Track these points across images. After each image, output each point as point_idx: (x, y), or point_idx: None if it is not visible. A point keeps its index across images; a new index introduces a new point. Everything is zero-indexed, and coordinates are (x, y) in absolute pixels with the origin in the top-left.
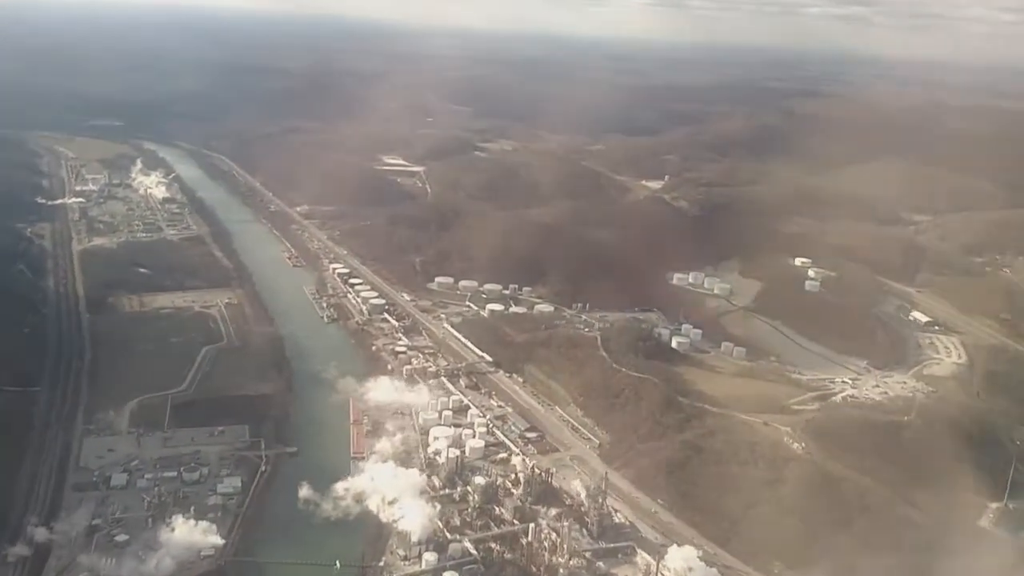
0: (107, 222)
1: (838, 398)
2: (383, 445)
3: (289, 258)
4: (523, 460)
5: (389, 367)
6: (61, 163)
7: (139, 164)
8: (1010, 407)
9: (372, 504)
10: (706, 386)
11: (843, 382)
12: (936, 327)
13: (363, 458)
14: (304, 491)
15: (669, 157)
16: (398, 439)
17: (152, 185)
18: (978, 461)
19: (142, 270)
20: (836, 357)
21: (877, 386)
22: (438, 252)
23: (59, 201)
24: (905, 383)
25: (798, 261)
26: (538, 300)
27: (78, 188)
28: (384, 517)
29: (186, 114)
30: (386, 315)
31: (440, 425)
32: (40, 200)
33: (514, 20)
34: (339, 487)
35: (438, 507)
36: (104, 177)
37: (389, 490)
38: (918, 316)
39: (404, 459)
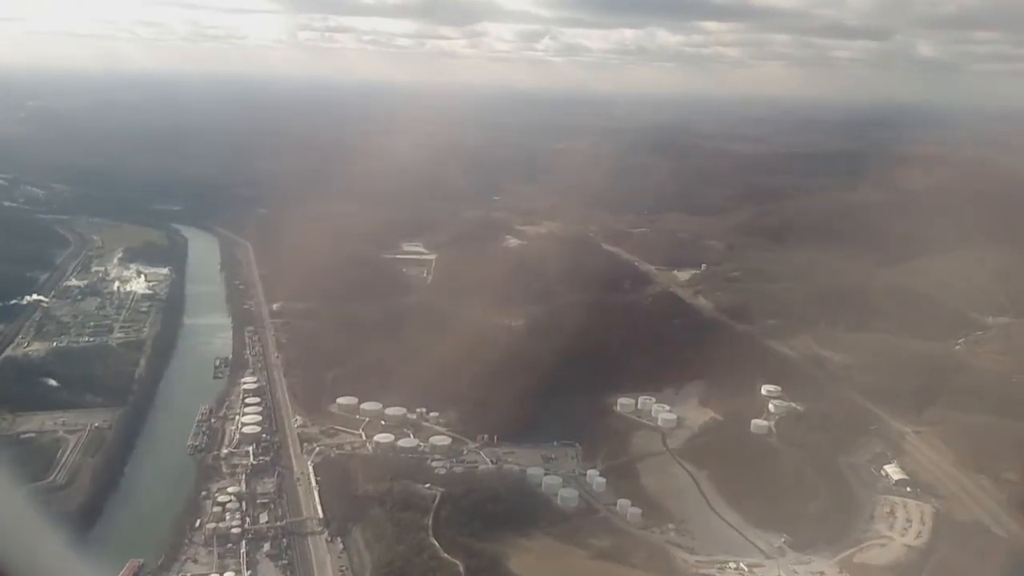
0: (63, 323)
1: None
2: None
3: (217, 367)
4: None
5: (197, 522)
6: (80, 253)
7: (120, 255)
8: None
9: None
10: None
11: (738, 569)
12: (908, 488)
13: None
14: None
15: (712, 243)
16: None
17: (132, 280)
18: None
19: (51, 382)
20: (750, 529)
21: None
22: (358, 366)
23: (13, 301)
24: (822, 574)
25: (764, 389)
26: (440, 429)
27: (64, 284)
28: None
29: (246, 197)
30: (248, 448)
31: None
32: None
33: (678, 85)
34: None
35: None
36: (102, 271)
37: None
38: (891, 471)
39: None
